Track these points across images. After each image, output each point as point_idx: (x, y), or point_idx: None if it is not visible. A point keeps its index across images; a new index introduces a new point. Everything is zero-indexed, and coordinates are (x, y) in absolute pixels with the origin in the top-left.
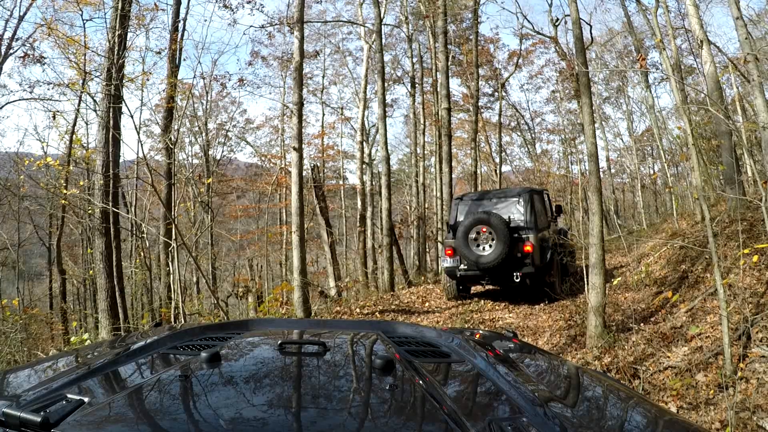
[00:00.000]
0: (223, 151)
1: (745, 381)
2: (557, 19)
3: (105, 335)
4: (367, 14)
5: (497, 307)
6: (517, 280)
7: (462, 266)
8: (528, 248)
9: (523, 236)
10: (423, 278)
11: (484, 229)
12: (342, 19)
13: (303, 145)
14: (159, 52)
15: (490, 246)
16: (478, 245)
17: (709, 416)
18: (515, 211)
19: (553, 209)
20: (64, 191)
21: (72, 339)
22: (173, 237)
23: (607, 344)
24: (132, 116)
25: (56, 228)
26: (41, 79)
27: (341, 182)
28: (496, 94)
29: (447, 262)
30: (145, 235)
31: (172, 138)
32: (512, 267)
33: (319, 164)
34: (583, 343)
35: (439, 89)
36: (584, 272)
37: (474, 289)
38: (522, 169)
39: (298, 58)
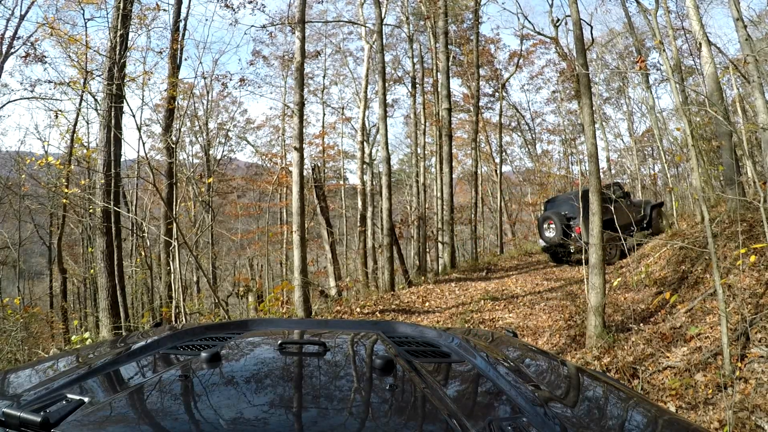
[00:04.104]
0: (223, 151)
1: (743, 381)
2: (558, 20)
3: (106, 334)
4: (367, 14)
5: (497, 307)
6: (572, 250)
7: (543, 243)
8: (578, 230)
9: (572, 224)
10: (423, 278)
11: (551, 220)
12: (343, 20)
13: (304, 145)
14: (160, 52)
15: (553, 230)
16: (548, 230)
17: (707, 416)
18: (573, 206)
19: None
20: (65, 190)
21: (73, 338)
22: (174, 236)
23: (606, 344)
24: (134, 115)
25: (57, 227)
26: (42, 78)
27: (342, 182)
28: (497, 94)
29: (540, 241)
30: (145, 235)
31: (173, 137)
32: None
33: (319, 164)
34: (583, 343)
35: (439, 89)
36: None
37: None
38: (522, 170)
39: (299, 58)
